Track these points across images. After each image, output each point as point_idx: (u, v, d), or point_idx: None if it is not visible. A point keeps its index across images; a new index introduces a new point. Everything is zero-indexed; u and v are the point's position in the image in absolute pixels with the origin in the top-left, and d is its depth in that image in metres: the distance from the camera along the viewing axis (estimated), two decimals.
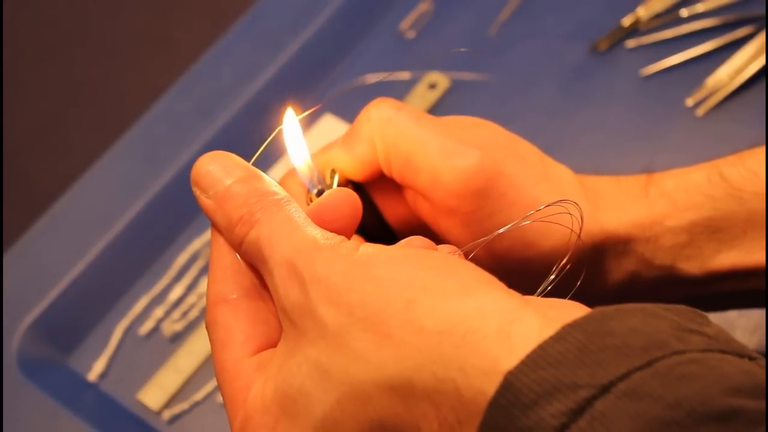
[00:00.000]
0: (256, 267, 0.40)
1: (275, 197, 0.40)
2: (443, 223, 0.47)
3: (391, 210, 0.51)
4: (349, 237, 0.40)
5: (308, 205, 0.47)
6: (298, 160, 0.47)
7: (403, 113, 0.47)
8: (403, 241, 0.40)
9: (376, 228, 0.51)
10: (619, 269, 0.48)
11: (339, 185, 0.47)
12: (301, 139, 0.47)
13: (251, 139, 0.73)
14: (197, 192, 0.41)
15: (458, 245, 0.46)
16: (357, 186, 0.49)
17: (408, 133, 0.46)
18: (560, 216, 0.44)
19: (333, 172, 0.48)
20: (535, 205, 0.45)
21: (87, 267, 0.68)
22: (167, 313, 0.68)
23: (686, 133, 0.67)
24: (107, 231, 0.69)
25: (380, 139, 0.47)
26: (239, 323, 0.39)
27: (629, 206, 0.47)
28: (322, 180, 0.47)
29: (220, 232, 0.41)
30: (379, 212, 0.51)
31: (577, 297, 0.48)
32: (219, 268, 0.41)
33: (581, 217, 0.44)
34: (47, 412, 0.63)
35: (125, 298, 0.69)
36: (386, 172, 0.48)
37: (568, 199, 0.45)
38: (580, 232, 0.44)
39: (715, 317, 0.60)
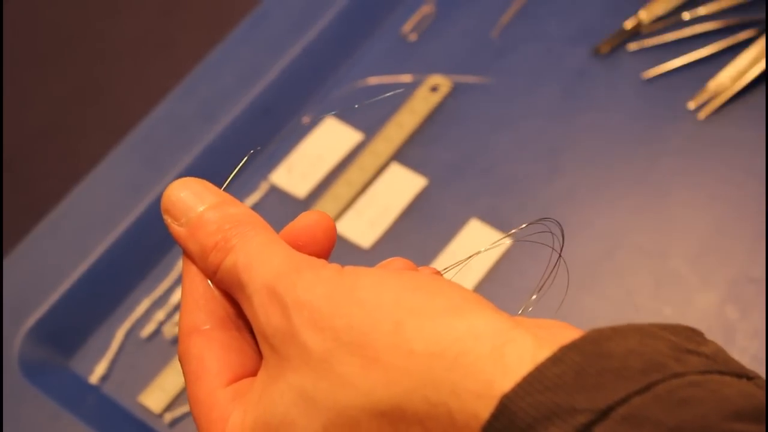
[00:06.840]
0: (232, 294, 0.39)
1: (250, 223, 0.38)
2: None
3: None
4: (326, 259, 0.39)
5: None
6: None
7: None
8: (383, 263, 0.39)
9: None
10: None
11: None
12: None
13: (253, 141, 0.73)
14: (168, 220, 0.40)
15: None
16: None
17: None
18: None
19: None
20: None
21: (89, 270, 0.68)
22: (168, 316, 0.68)
23: (688, 137, 0.67)
24: (109, 234, 0.69)
25: None
26: (213, 354, 0.38)
27: None
28: None
29: (193, 260, 0.39)
30: None
31: None
32: (191, 298, 0.39)
33: (562, 236, 0.43)
34: (49, 415, 0.63)
35: (127, 301, 0.69)
36: None
37: (551, 218, 0.44)
38: (561, 251, 0.43)
39: (716, 321, 0.60)
